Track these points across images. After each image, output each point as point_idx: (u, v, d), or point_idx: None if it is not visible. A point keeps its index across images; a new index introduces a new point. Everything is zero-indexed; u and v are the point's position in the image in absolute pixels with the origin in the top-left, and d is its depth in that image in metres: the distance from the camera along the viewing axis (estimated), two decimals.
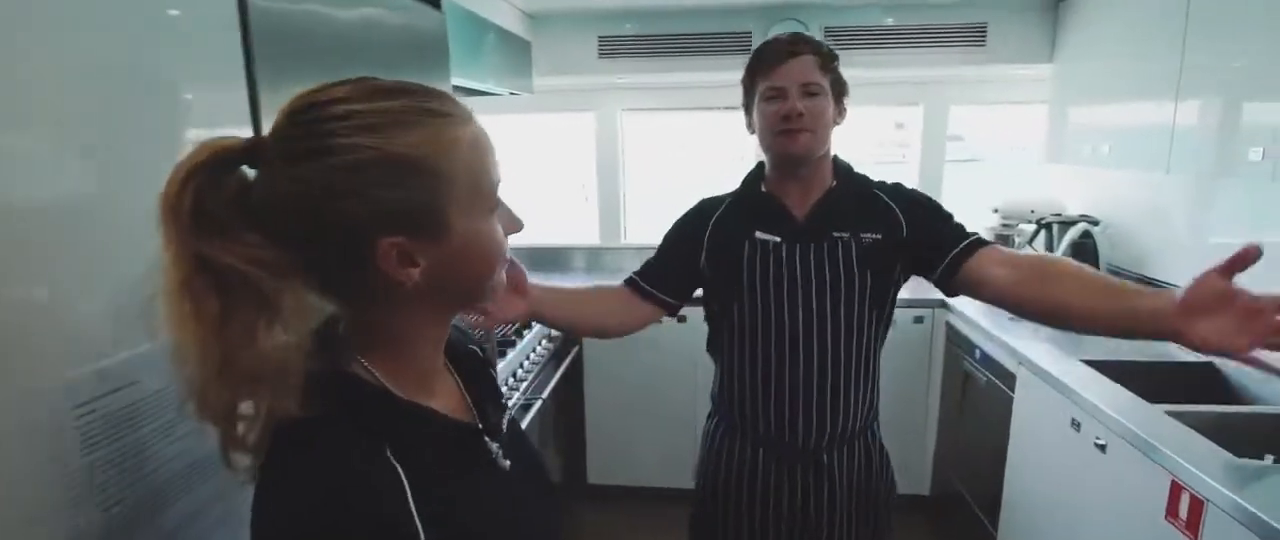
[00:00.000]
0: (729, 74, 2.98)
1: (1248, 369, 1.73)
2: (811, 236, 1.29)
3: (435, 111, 0.57)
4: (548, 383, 2.40)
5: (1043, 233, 2.74)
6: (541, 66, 2.84)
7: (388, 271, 0.56)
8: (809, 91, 1.23)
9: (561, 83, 3.13)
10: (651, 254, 1.45)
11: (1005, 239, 2.98)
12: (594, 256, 3.44)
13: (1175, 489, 1.41)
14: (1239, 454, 1.50)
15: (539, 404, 2.21)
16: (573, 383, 2.84)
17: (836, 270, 1.28)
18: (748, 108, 1.35)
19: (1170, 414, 1.58)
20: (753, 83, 1.31)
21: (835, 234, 1.29)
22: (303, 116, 0.55)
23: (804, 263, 1.29)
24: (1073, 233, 2.60)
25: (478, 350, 0.80)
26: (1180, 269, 2.33)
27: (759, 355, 1.33)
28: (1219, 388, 1.93)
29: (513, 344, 2.17)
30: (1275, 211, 1.96)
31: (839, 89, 1.29)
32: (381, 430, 0.58)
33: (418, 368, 0.65)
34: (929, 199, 1.36)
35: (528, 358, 2.32)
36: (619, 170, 3.37)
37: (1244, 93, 1.74)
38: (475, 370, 0.76)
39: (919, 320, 2.73)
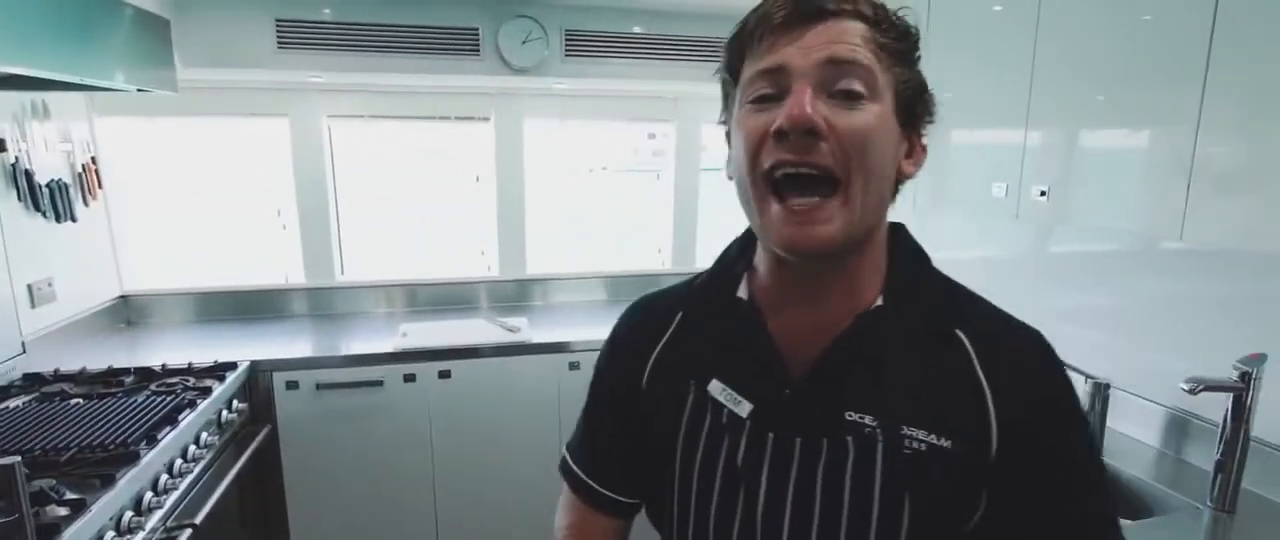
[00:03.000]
0: (459, 78, 2.56)
1: None
2: (807, 416, 0.65)
3: None
4: (210, 495, 1.72)
5: None
6: (192, 56, 2.11)
7: None
8: (844, 86, 0.58)
9: (237, 78, 2.41)
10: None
11: None
12: (304, 298, 2.74)
13: None
14: None
15: (186, 536, 1.54)
16: (262, 486, 2.15)
17: (837, 496, 0.63)
18: (727, 123, 0.69)
19: None
20: (736, 68, 0.65)
21: (852, 417, 0.63)
22: None
23: (779, 467, 0.65)
24: None
25: None
26: None
27: None
28: None
29: (132, 459, 1.47)
30: (974, 230, 2.01)
31: (911, 99, 0.63)
32: None
33: None
34: (1076, 403, 0.66)
35: (171, 467, 1.63)
36: (328, 190, 2.71)
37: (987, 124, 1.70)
38: None
39: None
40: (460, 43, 2.27)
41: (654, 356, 0.75)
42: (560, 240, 3.03)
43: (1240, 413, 1.27)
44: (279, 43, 2.14)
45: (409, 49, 2.24)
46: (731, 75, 0.65)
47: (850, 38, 0.59)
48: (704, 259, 3.10)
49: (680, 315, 0.76)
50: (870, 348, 0.65)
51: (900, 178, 0.65)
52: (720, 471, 0.68)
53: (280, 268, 2.74)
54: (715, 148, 3.05)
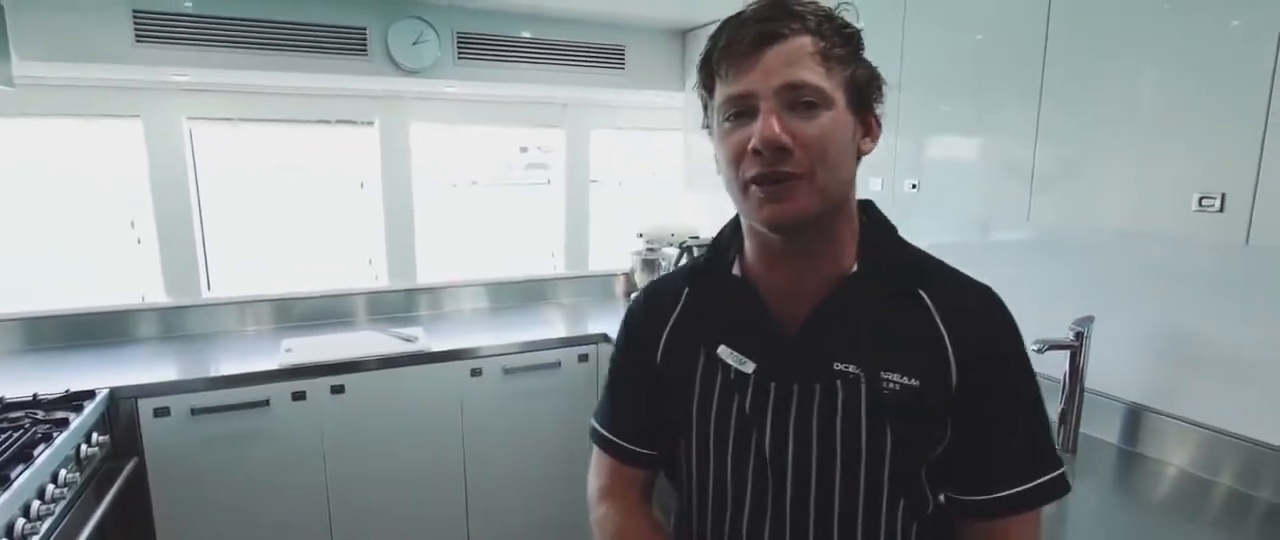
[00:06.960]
0: (340, 80, 2.45)
1: None
2: (801, 368, 0.77)
3: None
4: (79, 532, 1.53)
5: (686, 255, 2.80)
6: (31, 48, 1.87)
7: None
8: (800, 100, 0.69)
9: (86, 75, 2.16)
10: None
11: (651, 263, 3.00)
12: (166, 319, 2.48)
13: None
14: None
15: None
16: (128, 526, 1.93)
17: (831, 430, 0.75)
18: (709, 128, 0.80)
19: None
20: (710, 88, 0.76)
21: (838, 367, 0.75)
22: None
23: (780, 411, 0.77)
24: None
25: None
26: None
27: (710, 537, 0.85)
28: None
29: None
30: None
31: (862, 89, 0.74)
32: None
33: None
34: (1019, 347, 0.78)
35: (29, 510, 1.44)
36: (190, 200, 2.49)
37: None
38: None
39: None
40: (346, 42, 2.17)
41: (665, 333, 0.87)
42: (452, 248, 2.96)
43: (1076, 367, 1.51)
44: (138, 36, 1.95)
45: (289, 47, 2.12)
46: (707, 91, 0.77)
47: (801, 58, 0.69)
48: (597, 261, 3.16)
49: (686, 293, 0.87)
50: (849, 308, 0.77)
51: (860, 155, 0.76)
52: (733, 419, 0.80)
53: (135, 286, 2.47)
54: (596, 158, 3.12)
